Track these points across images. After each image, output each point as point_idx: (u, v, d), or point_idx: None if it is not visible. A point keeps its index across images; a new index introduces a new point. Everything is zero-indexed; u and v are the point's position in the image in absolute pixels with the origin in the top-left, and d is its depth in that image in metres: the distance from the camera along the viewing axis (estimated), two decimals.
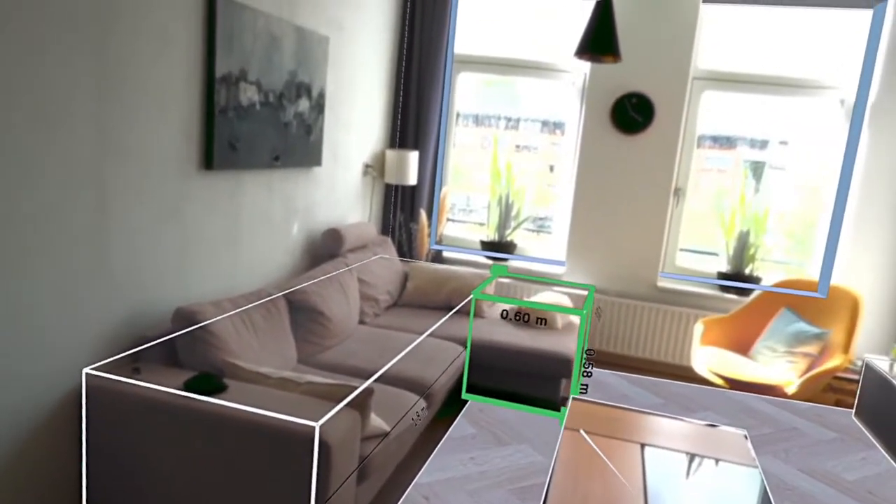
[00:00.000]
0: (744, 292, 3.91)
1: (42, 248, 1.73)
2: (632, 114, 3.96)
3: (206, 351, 2.09)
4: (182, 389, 1.82)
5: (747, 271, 3.95)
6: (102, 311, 1.97)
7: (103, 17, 1.82)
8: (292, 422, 1.69)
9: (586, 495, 2.08)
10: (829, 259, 3.66)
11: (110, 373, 1.87)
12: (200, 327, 2.12)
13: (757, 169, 4.07)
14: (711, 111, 4.00)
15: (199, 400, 1.80)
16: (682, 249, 4.14)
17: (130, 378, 1.88)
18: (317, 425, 1.63)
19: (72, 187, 1.80)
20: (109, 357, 1.92)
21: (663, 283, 4.06)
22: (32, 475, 1.82)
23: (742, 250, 3.95)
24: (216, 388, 1.86)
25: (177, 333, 2.10)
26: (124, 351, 1.99)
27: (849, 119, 3.79)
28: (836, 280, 3.57)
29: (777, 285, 3.64)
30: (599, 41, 2.99)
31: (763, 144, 4.10)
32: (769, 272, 3.99)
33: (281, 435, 1.68)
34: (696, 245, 4.21)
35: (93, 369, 1.80)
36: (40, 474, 1.85)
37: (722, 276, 4.00)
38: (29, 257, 1.70)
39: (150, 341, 2.06)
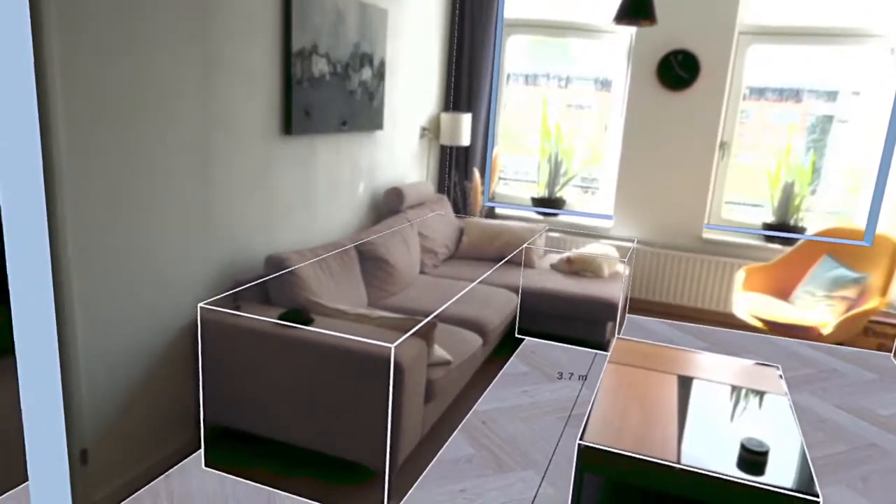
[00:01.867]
0: (789, 242, 4.03)
1: (160, 204, 2.08)
2: (678, 70, 4.07)
3: (293, 291, 2.43)
4: (278, 320, 2.16)
5: (792, 222, 4.06)
6: (207, 257, 2.33)
7: (203, 7, 2.13)
8: (373, 344, 2.01)
9: (624, 419, 2.34)
10: (875, 207, 3.74)
11: (220, 307, 2.23)
12: (289, 271, 2.46)
13: (820, 123, 4.12)
14: (762, 64, 4.07)
15: (294, 328, 2.14)
16: (727, 202, 4.27)
17: (233, 315, 2.24)
18: (392, 346, 1.94)
19: (183, 152, 2.14)
20: (215, 296, 2.28)
21: (708, 234, 4.22)
22: (157, 391, 2.21)
23: (787, 201, 4.05)
24: (305, 321, 2.20)
25: (270, 276, 2.44)
26: (225, 292, 2.35)
27: None
28: (881, 228, 3.66)
29: (820, 234, 3.76)
30: (636, 6, 3.16)
31: (832, 96, 4.13)
32: (817, 222, 4.09)
33: (363, 356, 2.00)
34: (745, 199, 4.33)
35: (206, 304, 2.16)
36: (164, 390, 2.23)
37: (767, 226, 4.12)
38: (151, 211, 2.05)
39: (245, 284, 2.41)
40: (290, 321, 2.16)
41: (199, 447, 2.33)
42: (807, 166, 4.01)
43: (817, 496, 1.68)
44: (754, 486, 1.74)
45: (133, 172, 1.96)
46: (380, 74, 3.34)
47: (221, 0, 2.22)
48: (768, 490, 1.73)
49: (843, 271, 3.37)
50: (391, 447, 1.97)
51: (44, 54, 1.64)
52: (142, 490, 2.15)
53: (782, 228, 4.06)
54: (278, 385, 2.18)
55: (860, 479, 2.21)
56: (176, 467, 2.30)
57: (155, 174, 2.04)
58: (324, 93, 2.85)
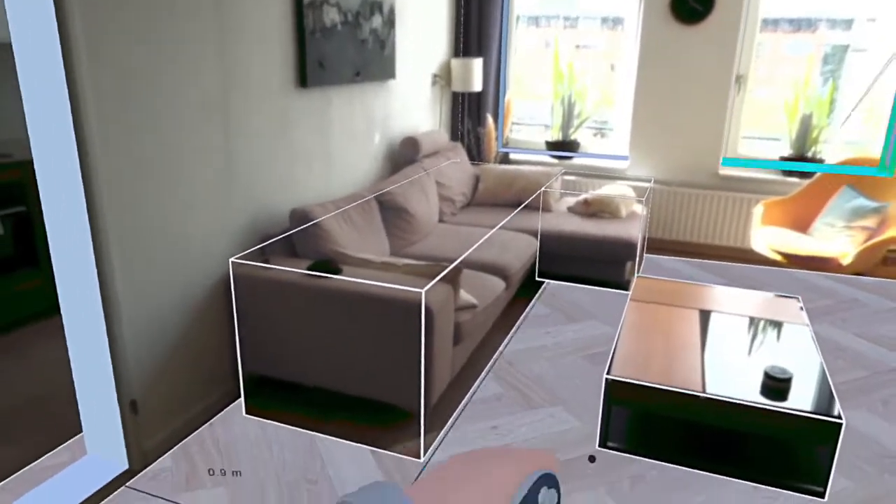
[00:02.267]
0: (807, 175, 4.00)
1: (189, 163, 2.12)
2: (692, 3, 3.98)
3: (319, 243, 2.48)
4: (307, 271, 2.21)
5: (810, 154, 4.03)
6: (233, 213, 2.37)
7: None
8: (403, 290, 2.06)
9: (649, 353, 2.40)
10: (893, 135, 3.70)
11: (250, 261, 2.28)
12: (314, 224, 2.50)
13: (836, 53, 4.04)
14: None
15: (325, 278, 2.20)
16: (744, 137, 4.23)
17: (262, 268, 2.29)
18: (423, 291, 1.99)
19: (206, 111, 2.16)
20: (244, 250, 2.33)
21: (725, 170, 4.19)
22: (197, 343, 2.29)
23: (805, 133, 4.01)
24: (334, 271, 2.25)
25: (297, 229, 2.49)
26: (253, 245, 2.40)
27: None
28: None
29: (841, 163, 3.73)
30: None
31: (847, 25, 4.02)
32: (836, 153, 4.05)
33: (393, 303, 2.06)
34: (762, 133, 4.28)
35: (237, 259, 2.22)
36: (203, 343, 2.32)
37: (785, 160, 4.09)
38: (181, 171, 2.09)
39: (272, 237, 2.46)
40: (319, 272, 2.21)
41: (239, 396, 2.43)
42: (825, 97, 3.95)
43: (840, 418, 1.73)
44: (779, 412, 1.80)
45: (161, 135, 1.99)
46: (390, 22, 3.30)
47: None
48: (793, 414, 1.79)
49: (862, 201, 3.36)
50: (425, 388, 2.05)
51: (69, 30, 1.65)
52: (188, 438, 2.26)
53: (800, 161, 4.03)
54: (311, 334, 2.25)
55: (881, 402, 2.26)
56: (218, 416, 2.40)
57: (181, 135, 2.06)
58: (336, 43, 2.83)
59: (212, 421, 2.41)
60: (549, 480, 0.52)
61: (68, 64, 1.67)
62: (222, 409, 2.44)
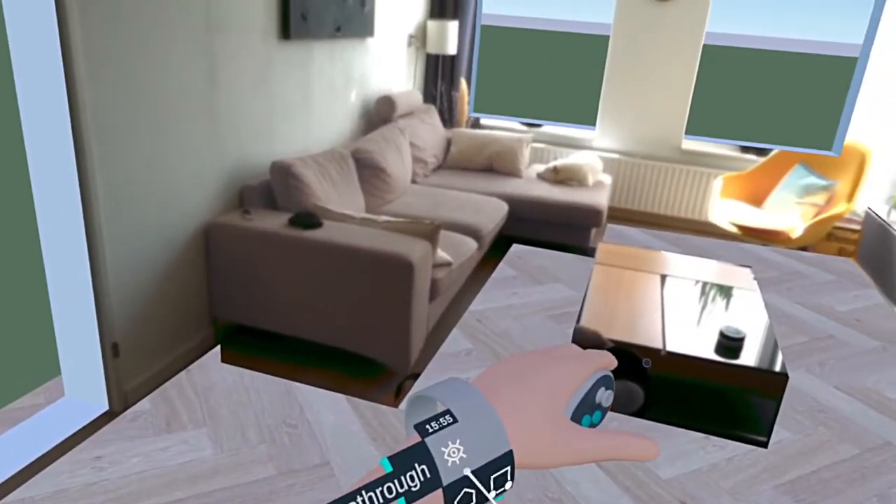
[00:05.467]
0: (764, 153, 4.19)
1: (174, 109, 2.12)
2: None
3: (300, 196, 2.52)
4: (289, 224, 2.26)
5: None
6: (216, 162, 2.38)
7: None
8: (390, 252, 2.14)
9: (614, 312, 2.54)
10: (846, 119, 3.90)
11: (231, 213, 2.30)
12: (294, 177, 2.54)
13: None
14: None
15: (305, 231, 2.25)
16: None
17: (243, 219, 2.33)
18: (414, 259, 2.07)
19: (191, 57, 2.16)
20: (224, 202, 2.36)
21: (687, 145, 4.35)
22: (179, 291, 2.32)
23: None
24: (315, 224, 2.30)
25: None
26: (234, 195, 2.42)
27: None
28: (851, 137, 3.83)
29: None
30: None
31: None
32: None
33: (380, 259, 2.14)
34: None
35: (216, 220, 2.24)
36: (184, 291, 2.35)
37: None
38: (167, 117, 2.09)
39: (252, 189, 2.49)
40: (300, 224, 2.26)
41: (217, 344, 2.48)
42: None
43: (786, 373, 1.91)
44: (732, 366, 1.96)
45: (148, 80, 1.98)
46: None
47: None
48: (745, 368, 1.95)
49: (813, 179, 3.57)
50: (404, 342, 2.15)
51: None
52: (166, 383, 2.31)
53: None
54: (291, 285, 2.31)
55: (818, 364, 2.47)
56: (196, 363, 2.46)
57: (167, 80, 2.06)
58: None
59: (189, 367, 2.47)
60: (606, 381, 0.53)
61: (61, 17, 1.66)
62: (203, 354, 2.50)
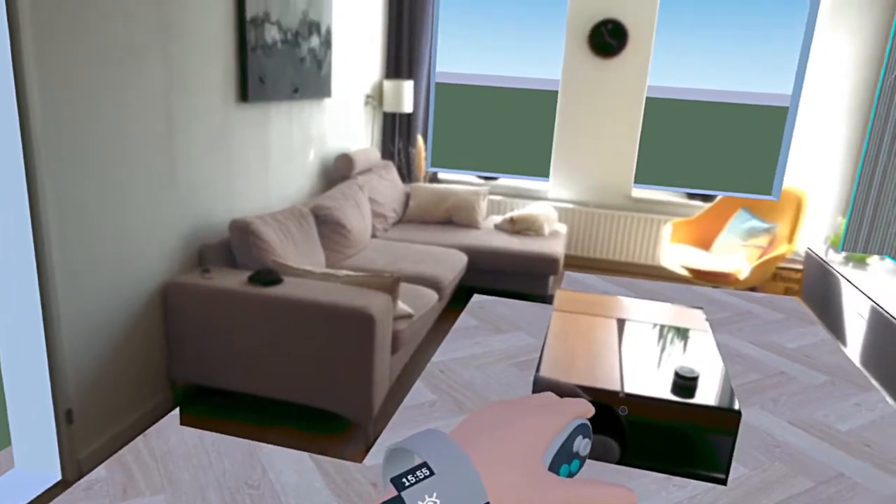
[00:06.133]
0: (709, 199, 4.40)
1: (129, 171, 2.13)
2: (607, 38, 4.31)
3: (260, 254, 2.53)
4: (249, 281, 2.26)
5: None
6: (174, 222, 2.39)
7: None
8: (351, 306, 2.16)
9: (572, 357, 2.61)
10: (782, 164, 4.14)
11: (189, 272, 2.29)
12: (253, 235, 2.55)
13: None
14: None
15: (265, 288, 2.26)
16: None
17: (203, 277, 2.32)
18: (374, 312, 2.10)
19: (148, 119, 2.18)
20: (183, 262, 2.35)
21: (637, 193, 4.53)
22: (135, 354, 2.28)
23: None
24: (275, 280, 2.31)
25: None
26: (193, 256, 2.42)
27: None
28: (788, 181, 4.06)
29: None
30: None
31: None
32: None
33: (341, 313, 2.15)
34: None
35: (173, 280, 2.24)
36: (141, 353, 2.31)
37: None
38: (122, 180, 2.10)
39: (211, 247, 2.49)
40: (259, 281, 2.27)
41: (176, 406, 2.42)
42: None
43: (739, 410, 1.98)
44: (688, 405, 2.02)
45: (106, 140, 2.00)
46: (327, 42, 3.40)
47: None
48: (700, 407, 2.02)
49: (755, 222, 3.75)
50: (367, 396, 2.14)
51: (21, 44, 1.66)
52: (123, 449, 2.25)
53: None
54: (250, 343, 2.30)
55: (771, 400, 2.56)
56: (153, 427, 2.40)
57: (125, 143, 2.08)
58: (276, 60, 2.91)
59: (147, 431, 2.41)
60: (583, 430, 0.52)
61: (17, 65, 1.68)
62: (161, 418, 2.44)
